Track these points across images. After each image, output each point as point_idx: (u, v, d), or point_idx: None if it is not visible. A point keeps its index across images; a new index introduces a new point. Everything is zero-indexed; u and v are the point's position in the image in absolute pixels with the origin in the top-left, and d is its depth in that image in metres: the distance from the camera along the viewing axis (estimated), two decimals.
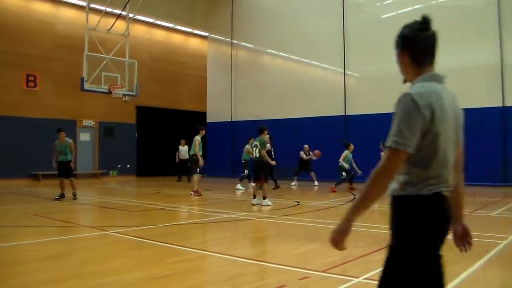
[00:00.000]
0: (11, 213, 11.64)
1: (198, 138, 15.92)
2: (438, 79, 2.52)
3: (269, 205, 12.54)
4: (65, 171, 14.52)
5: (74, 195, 14.47)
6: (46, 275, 5.65)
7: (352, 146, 17.91)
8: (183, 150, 23.22)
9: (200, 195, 15.44)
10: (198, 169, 15.90)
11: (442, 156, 2.40)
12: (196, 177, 15.84)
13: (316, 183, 19.75)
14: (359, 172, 17.19)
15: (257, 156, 13.02)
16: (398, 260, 2.42)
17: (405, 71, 2.73)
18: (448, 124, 2.42)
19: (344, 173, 17.26)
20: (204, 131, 16.33)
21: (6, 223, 9.95)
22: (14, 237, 8.18)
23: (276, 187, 18.04)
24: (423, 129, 2.32)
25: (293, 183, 19.98)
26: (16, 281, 5.33)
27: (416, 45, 2.57)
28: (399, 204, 2.43)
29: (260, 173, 12.95)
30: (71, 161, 14.60)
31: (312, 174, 19.90)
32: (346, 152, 17.51)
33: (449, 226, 2.49)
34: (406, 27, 2.66)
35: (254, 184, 13.61)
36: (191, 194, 15.51)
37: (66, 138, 14.51)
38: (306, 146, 19.95)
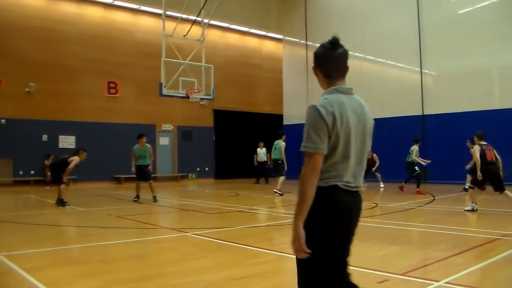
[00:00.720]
0: (97, 215, 12.12)
1: (283, 143, 16.81)
2: (343, 91, 2.94)
3: None
4: (144, 174, 14.98)
5: (154, 197, 14.89)
6: (132, 273, 5.84)
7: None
8: (261, 152, 23.35)
9: (282, 194, 16.00)
10: (284, 172, 16.86)
11: (340, 156, 2.81)
12: (282, 178, 16.71)
13: (382, 185, 18.90)
14: (425, 163, 16.56)
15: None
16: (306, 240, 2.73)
17: (321, 84, 3.10)
18: (350, 129, 2.83)
19: (416, 167, 16.38)
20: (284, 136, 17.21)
21: (93, 224, 10.39)
22: (101, 237, 8.51)
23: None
24: (328, 133, 2.75)
25: (381, 186, 19.18)
26: (106, 278, 5.56)
27: (327, 63, 3.01)
28: None
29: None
30: (149, 165, 15.05)
31: (378, 175, 19.19)
32: (416, 147, 16.54)
33: (350, 217, 2.91)
34: (320, 46, 3.09)
35: None
36: (275, 192, 16.35)
37: (145, 143, 14.98)
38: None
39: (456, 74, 21.11)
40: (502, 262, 6.12)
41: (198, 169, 27.76)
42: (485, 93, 20.39)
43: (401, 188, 16.61)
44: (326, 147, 2.75)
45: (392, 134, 21.06)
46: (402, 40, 23.14)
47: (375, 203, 13.55)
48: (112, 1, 24.70)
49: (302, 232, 2.70)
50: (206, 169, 28.08)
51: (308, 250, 2.70)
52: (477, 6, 20.70)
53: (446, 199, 14.62)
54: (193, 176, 27.41)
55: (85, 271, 5.96)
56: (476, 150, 11.21)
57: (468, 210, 11.11)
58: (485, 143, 11.39)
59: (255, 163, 23.81)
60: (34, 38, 22.62)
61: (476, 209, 11.13)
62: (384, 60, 24.60)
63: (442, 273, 5.49)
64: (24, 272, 5.74)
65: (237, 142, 28.73)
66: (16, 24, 22.21)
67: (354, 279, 5.38)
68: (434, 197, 14.96)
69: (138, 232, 9.32)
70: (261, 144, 23.63)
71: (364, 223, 9.83)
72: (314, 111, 2.78)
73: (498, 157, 11.43)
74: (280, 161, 16.79)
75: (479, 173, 11.09)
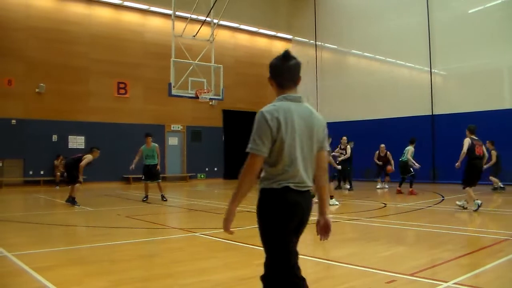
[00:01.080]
0: (106, 215, 12.16)
1: None
2: (291, 98, 3.20)
3: (336, 204, 13.20)
4: (152, 174, 15.02)
5: (163, 197, 14.95)
6: (140, 273, 5.86)
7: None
8: None
9: None
10: None
11: (288, 158, 3.07)
12: None
13: (386, 186, 19.10)
14: (417, 166, 16.51)
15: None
16: (261, 237, 3.18)
17: (275, 92, 3.33)
18: (296, 133, 3.08)
19: (411, 169, 16.40)
20: None
21: (102, 224, 10.45)
22: (110, 237, 8.55)
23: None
24: (273, 137, 3.02)
25: (378, 186, 19.39)
26: (113, 277, 5.58)
27: (280, 73, 3.27)
28: (260, 195, 3.20)
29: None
30: (157, 164, 15.09)
31: (387, 177, 19.25)
32: (412, 148, 16.51)
33: (302, 215, 3.18)
34: (274, 58, 3.33)
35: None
36: None
37: (152, 143, 15.01)
38: (383, 145, 19.27)
39: (466, 73, 21.03)
40: (511, 263, 6.08)
41: (207, 169, 27.79)
42: (495, 93, 20.30)
43: (398, 192, 16.56)
44: (267, 150, 3.04)
45: (402, 134, 20.91)
46: (411, 39, 23.09)
47: (384, 203, 13.52)
48: (121, 1, 24.79)
49: (233, 215, 3.17)
50: (215, 169, 28.12)
51: (232, 231, 3.21)
52: (487, 5, 20.62)
53: (455, 199, 14.52)
54: (202, 176, 27.45)
55: (94, 270, 5.99)
56: (465, 143, 11.39)
57: (474, 210, 11.13)
58: (476, 138, 11.59)
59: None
60: (44, 39, 22.76)
61: (466, 208, 11.37)
62: (393, 60, 24.53)
63: (450, 273, 5.47)
64: (33, 271, 5.77)
65: (246, 143, 28.18)
66: (26, 25, 22.35)
67: (362, 279, 5.41)
68: (443, 197, 14.89)
69: (147, 232, 9.35)
70: None
71: (372, 223, 9.84)
72: (260, 116, 3.10)
73: (486, 153, 11.87)
74: None
75: (458, 163, 11.54)
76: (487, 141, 15.74)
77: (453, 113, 20.81)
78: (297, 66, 3.33)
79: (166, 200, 14.82)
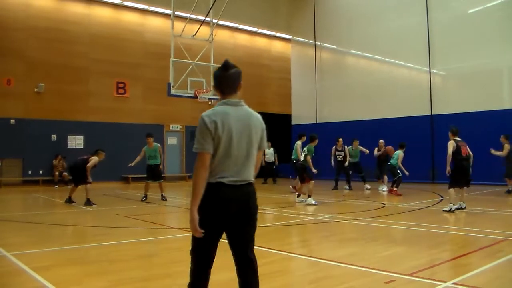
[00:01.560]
0: (105, 215, 12.16)
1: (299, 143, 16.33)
2: (231, 103, 3.55)
3: (313, 204, 13.38)
4: (155, 174, 15.08)
5: (163, 196, 15.00)
6: (139, 273, 5.86)
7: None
8: (269, 152, 23.30)
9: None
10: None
11: (223, 156, 3.43)
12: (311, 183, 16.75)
13: (385, 188, 17.83)
14: (407, 173, 16.53)
15: (302, 160, 14.12)
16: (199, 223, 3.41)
17: (220, 99, 3.65)
18: (233, 134, 3.43)
19: (399, 171, 16.21)
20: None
21: (101, 224, 10.45)
22: (109, 236, 8.55)
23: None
24: (212, 137, 3.39)
25: (382, 189, 17.96)
26: (112, 277, 5.58)
27: (221, 82, 3.64)
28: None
29: (303, 174, 14.17)
30: (160, 164, 15.16)
31: (385, 178, 18.66)
32: (401, 153, 16.30)
33: (237, 208, 3.48)
34: (217, 69, 3.74)
35: (300, 184, 14.80)
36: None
37: (154, 143, 15.04)
38: (382, 141, 18.79)
39: (465, 74, 21.02)
40: (510, 263, 6.09)
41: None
42: (495, 93, 20.30)
43: (391, 192, 16.39)
44: (211, 147, 3.40)
45: (401, 134, 20.91)
46: (411, 40, 23.08)
47: (383, 203, 13.52)
48: (120, 1, 24.78)
49: (196, 216, 3.38)
50: None
51: (201, 231, 3.38)
52: (486, 5, 20.61)
53: (455, 199, 14.54)
54: None
55: (93, 270, 5.99)
56: (450, 146, 11.29)
57: (446, 211, 11.18)
58: (459, 139, 11.51)
59: (263, 163, 23.72)
60: (43, 39, 22.75)
61: (454, 210, 11.22)
62: (392, 60, 24.53)
63: (449, 273, 5.48)
64: (32, 271, 5.77)
65: None
66: (26, 25, 22.34)
67: (361, 279, 5.41)
68: (442, 197, 14.89)
69: (146, 232, 9.35)
70: (269, 144, 23.57)
71: (371, 223, 9.84)
72: (201, 119, 3.45)
73: (471, 153, 11.71)
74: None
75: (448, 168, 11.31)
76: (502, 136, 15.68)
77: (453, 113, 20.79)
78: (236, 74, 3.68)
79: (165, 200, 14.89)
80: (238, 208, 3.50)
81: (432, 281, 5.12)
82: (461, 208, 11.47)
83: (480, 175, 18.05)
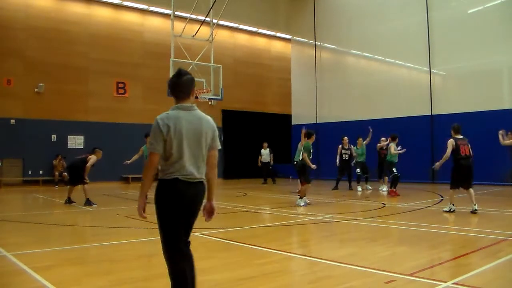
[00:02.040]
0: (105, 215, 12.16)
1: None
2: (183, 108, 3.93)
3: (300, 205, 12.89)
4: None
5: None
6: (140, 273, 5.87)
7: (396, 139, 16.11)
8: (265, 153, 23.29)
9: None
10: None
11: (176, 155, 3.82)
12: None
13: (385, 188, 17.64)
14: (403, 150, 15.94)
15: (300, 160, 13.38)
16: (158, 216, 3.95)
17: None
18: (184, 135, 3.82)
19: (394, 169, 15.52)
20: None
21: (102, 224, 10.45)
22: (109, 236, 8.56)
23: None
24: (164, 138, 3.79)
25: (382, 189, 17.95)
26: (113, 277, 5.59)
27: (174, 88, 4.02)
28: (156, 185, 3.93)
29: (301, 176, 13.55)
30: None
31: (385, 178, 18.42)
32: (393, 145, 15.75)
33: (190, 202, 3.92)
34: (172, 76, 4.13)
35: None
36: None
37: None
38: (384, 138, 18.69)
39: (465, 74, 21.03)
40: (510, 263, 6.08)
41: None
42: (495, 93, 20.31)
43: (392, 193, 15.56)
44: (161, 149, 3.81)
45: (401, 134, 20.94)
46: (411, 39, 23.09)
47: (383, 204, 13.52)
48: (120, 1, 24.79)
49: (142, 203, 3.98)
50: None
51: (145, 216, 3.99)
52: (486, 6, 20.63)
53: (455, 199, 14.55)
54: None
55: (93, 270, 5.99)
56: (449, 145, 11.06)
57: (446, 211, 11.11)
58: (461, 137, 11.27)
59: (259, 163, 23.73)
60: (43, 39, 22.76)
61: (454, 210, 11.07)
62: (393, 60, 24.53)
63: (450, 273, 5.48)
64: (32, 271, 5.77)
65: (246, 142, 28.73)
66: (26, 25, 22.36)
67: (362, 279, 5.41)
68: (442, 197, 14.89)
69: (146, 231, 9.34)
70: (265, 144, 23.56)
71: (371, 223, 9.83)
72: (155, 122, 3.84)
73: (472, 152, 11.29)
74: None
75: (438, 163, 11.29)
76: (509, 132, 14.80)
77: (453, 113, 20.78)
78: (189, 81, 4.04)
79: None
80: (190, 201, 3.92)
81: (432, 281, 5.12)
82: (474, 212, 10.76)
83: (480, 175, 18.08)
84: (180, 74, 4.04)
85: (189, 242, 4.16)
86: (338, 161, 18.84)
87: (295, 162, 15.10)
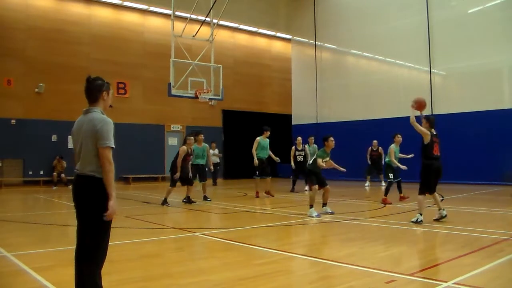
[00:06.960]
0: None
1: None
2: (83, 111, 4.37)
3: (312, 216, 11.06)
4: (202, 174, 15.57)
5: (205, 197, 15.39)
6: (140, 273, 5.85)
7: (399, 138, 14.56)
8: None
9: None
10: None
11: (76, 154, 4.24)
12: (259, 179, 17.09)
13: (367, 183, 19.14)
14: (404, 167, 13.70)
15: (310, 165, 12.09)
16: None
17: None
18: (73, 136, 4.32)
19: (391, 175, 13.80)
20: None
21: None
22: (110, 237, 8.53)
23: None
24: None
25: (366, 184, 19.82)
26: (113, 278, 5.55)
27: (85, 93, 4.40)
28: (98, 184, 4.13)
29: (309, 179, 12.63)
30: (205, 165, 15.75)
31: (381, 176, 18.58)
32: (393, 147, 14.19)
33: (72, 194, 4.23)
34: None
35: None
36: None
37: (204, 143, 15.56)
38: (375, 141, 19.49)
39: (466, 73, 21.03)
40: (510, 263, 6.08)
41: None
42: (495, 92, 20.31)
43: (383, 201, 13.82)
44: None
45: (401, 134, 20.98)
46: (411, 39, 23.09)
47: (383, 204, 13.50)
48: (121, 1, 24.79)
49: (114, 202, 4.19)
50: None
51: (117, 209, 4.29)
52: (486, 5, 20.63)
53: (455, 199, 14.56)
54: None
55: None
56: (427, 135, 9.69)
57: (414, 222, 9.47)
58: (435, 133, 9.87)
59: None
60: (43, 39, 22.77)
61: (421, 221, 9.42)
62: (393, 60, 24.54)
63: (450, 273, 5.47)
64: (32, 271, 5.78)
65: (246, 142, 28.65)
66: (26, 25, 22.37)
67: (362, 279, 5.40)
68: (442, 197, 14.87)
69: (147, 232, 9.34)
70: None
71: (372, 223, 9.83)
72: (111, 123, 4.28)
73: (439, 154, 9.73)
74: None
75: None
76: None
77: (453, 113, 20.79)
78: (96, 86, 4.42)
79: (210, 200, 15.11)
80: (73, 194, 4.24)
81: (432, 281, 5.12)
82: (442, 217, 9.71)
83: (480, 175, 18.08)
84: (88, 80, 4.41)
85: (86, 244, 4.79)
86: (292, 163, 18.60)
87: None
